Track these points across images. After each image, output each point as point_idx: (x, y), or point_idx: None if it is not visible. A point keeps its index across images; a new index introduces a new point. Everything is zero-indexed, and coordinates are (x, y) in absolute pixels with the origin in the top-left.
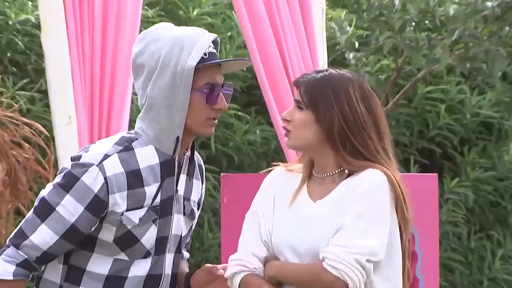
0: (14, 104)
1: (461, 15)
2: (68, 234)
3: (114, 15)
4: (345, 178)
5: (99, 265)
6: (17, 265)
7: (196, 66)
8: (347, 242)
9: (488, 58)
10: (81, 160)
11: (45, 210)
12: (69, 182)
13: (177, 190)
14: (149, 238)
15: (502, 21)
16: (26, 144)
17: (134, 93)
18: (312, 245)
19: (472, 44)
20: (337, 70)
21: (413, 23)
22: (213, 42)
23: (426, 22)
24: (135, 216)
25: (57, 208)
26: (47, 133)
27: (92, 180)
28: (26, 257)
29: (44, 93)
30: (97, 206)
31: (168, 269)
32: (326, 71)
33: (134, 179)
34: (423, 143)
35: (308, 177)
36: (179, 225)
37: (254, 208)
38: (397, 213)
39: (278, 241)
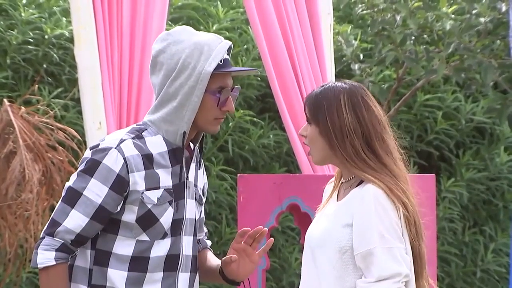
0: (50, 111)
1: (456, 30)
2: (98, 215)
3: (140, 29)
4: (356, 186)
5: (124, 247)
6: (56, 250)
7: (212, 72)
8: (389, 272)
9: (481, 69)
10: (100, 146)
11: (73, 197)
12: (92, 167)
13: (188, 177)
14: (167, 218)
15: (493, 35)
16: (61, 148)
17: None
18: (319, 240)
19: (466, 56)
20: (336, 82)
21: (413, 37)
22: (228, 49)
23: (425, 36)
24: (154, 195)
25: (84, 193)
26: (79, 137)
27: (113, 162)
28: (62, 241)
29: (77, 101)
30: (120, 185)
31: (186, 250)
32: (326, 85)
33: (148, 161)
34: (422, 146)
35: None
36: (192, 209)
37: None
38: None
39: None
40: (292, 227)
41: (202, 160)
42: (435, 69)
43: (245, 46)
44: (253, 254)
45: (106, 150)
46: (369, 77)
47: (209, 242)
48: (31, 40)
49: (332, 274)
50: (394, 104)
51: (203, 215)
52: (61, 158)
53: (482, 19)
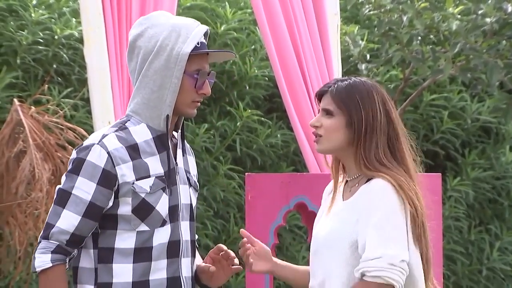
0: (59, 111)
1: (462, 30)
2: (89, 212)
3: None
4: (365, 183)
5: (125, 240)
6: (52, 252)
7: (190, 53)
8: (375, 254)
9: (487, 69)
10: (83, 145)
11: (63, 197)
12: (77, 166)
13: (176, 163)
14: (163, 206)
15: (499, 36)
16: (70, 147)
17: None
18: (327, 238)
19: (472, 56)
20: (359, 78)
21: (419, 38)
22: (204, 33)
23: (431, 36)
24: (146, 184)
25: (73, 192)
26: (89, 137)
27: (97, 157)
28: (58, 243)
29: (86, 100)
30: (108, 179)
31: (185, 235)
32: (350, 79)
33: (134, 152)
34: (428, 145)
35: (345, 181)
36: (187, 194)
37: None
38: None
39: (312, 240)
40: (300, 226)
41: (188, 147)
42: (441, 69)
43: (253, 47)
44: (226, 267)
45: (88, 147)
46: (375, 77)
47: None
48: (41, 40)
49: (346, 270)
50: (400, 104)
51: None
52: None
53: (488, 20)
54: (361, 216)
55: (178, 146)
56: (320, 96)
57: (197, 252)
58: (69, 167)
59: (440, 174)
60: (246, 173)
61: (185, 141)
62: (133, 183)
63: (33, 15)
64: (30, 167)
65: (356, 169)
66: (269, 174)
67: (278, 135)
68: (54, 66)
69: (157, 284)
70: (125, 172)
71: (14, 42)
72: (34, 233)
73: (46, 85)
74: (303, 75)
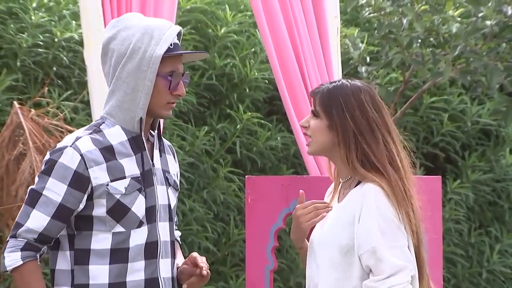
0: (60, 114)
1: (462, 33)
2: (59, 214)
3: None
4: (356, 185)
5: (101, 242)
6: (21, 250)
7: (163, 55)
8: (394, 268)
9: (487, 71)
10: (57, 147)
11: (34, 198)
12: (49, 167)
13: (153, 164)
14: (139, 207)
15: (499, 38)
16: None
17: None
18: (319, 241)
19: (472, 59)
20: (349, 80)
21: (419, 40)
22: (177, 34)
23: (431, 39)
24: (121, 185)
25: (43, 192)
26: None
27: (69, 159)
28: (26, 240)
29: (86, 103)
30: (80, 182)
31: (163, 236)
32: (339, 81)
33: (108, 153)
34: (428, 148)
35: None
36: (164, 195)
37: None
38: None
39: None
40: None
41: (169, 148)
42: (441, 72)
43: (253, 49)
44: (198, 276)
45: (61, 149)
46: (375, 80)
47: (178, 233)
48: (41, 43)
49: (332, 275)
50: (400, 107)
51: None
52: None
53: (488, 22)
54: (356, 222)
55: (155, 147)
56: (312, 95)
57: (179, 252)
58: (42, 169)
59: (440, 176)
60: (246, 176)
61: (163, 140)
62: (108, 185)
63: (33, 17)
64: (30, 170)
65: (347, 170)
66: (269, 177)
67: (278, 138)
68: (54, 68)
69: (135, 285)
70: (98, 174)
71: (14, 45)
72: None
73: (46, 88)
74: (303, 78)
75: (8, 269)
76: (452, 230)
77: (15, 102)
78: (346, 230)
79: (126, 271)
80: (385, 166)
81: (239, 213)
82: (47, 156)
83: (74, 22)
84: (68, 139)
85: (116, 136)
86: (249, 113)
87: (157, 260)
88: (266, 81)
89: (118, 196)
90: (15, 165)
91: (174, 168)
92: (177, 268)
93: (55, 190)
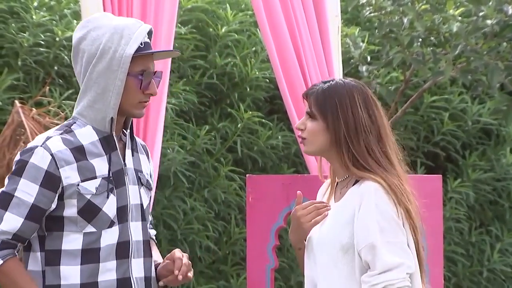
0: (61, 113)
1: (463, 32)
2: (32, 215)
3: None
4: (353, 185)
5: (72, 242)
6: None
7: (133, 54)
8: (392, 264)
9: (488, 70)
10: (27, 147)
11: (6, 200)
12: (20, 168)
13: (125, 164)
14: (110, 207)
15: (500, 38)
16: None
17: (168, 102)
18: (319, 241)
19: (473, 58)
20: (342, 79)
21: (420, 39)
22: (148, 32)
23: (432, 38)
24: (91, 186)
25: (15, 194)
26: None
27: (40, 159)
28: (1, 240)
29: None
30: (51, 181)
31: (135, 236)
32: (332, 81)
33: (79, 154)
34: (428, 147)
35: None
36: (136, 195)
37: None
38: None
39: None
40: None
41: (142, 147)
42: (442, 71)
43: (254, 48)
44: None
45: (32, 149)
46: (376, 79)
47: (152, 232)
48: (42, 42)
49: (333, 273)
50: (401, 106)
51: (151, 200)
52: None
53: (488, 21)
54: (356, 221)
55: (127, 146)
56: (306, 97)
57: (155, 250)
58: (12, 170)
59: (440, 175)
60: (247, 175)
61: (136, 139)
62: (78, 185)
63: (34, 17)
64: None
65: (343, 170)
66: (270, 176)
67: (279, 137)
68: (55, 68)
69: (107, 285)
70: (69, 174)
71: (15, 44)
72: None
73: (47, 87)
74: (304, 77)
75: None
76: (453, 229)
77: (16, 101)
78: (346, 229)
79: (97, 271)
80: (375, 167)
81: (240, 212)
82: (17, 157)
83: (75, 21)
84: (38, 139)
85: (87, 136)
86: (250, 112)
87: (129, 260)
88: (267, 80)
89: (88, 196)
90: None
91: (146, 168)
92: (158, 264)
93: (27, 191)
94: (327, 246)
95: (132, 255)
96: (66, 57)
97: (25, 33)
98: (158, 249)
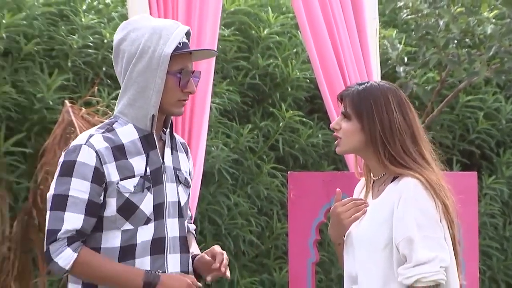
0: (109, 112)
1: (497, 34)
2: (89, 210)
3: (195, 34)
4: (391, 182)
5: (111, 240)
6: (68, 245)
7: (171, 53)
8: (427, 257)
9: None
10: (70, 147)
11: (61, 201)
12: (69, 167)
13: (164, 162)
14: (147, 204)
15: None
16: None
17: (213, 102)
18: (357, 237)
19: (506, 59)
20: (377, 82)
21: (456, 41)
22: (186, 33)
23: (467, 40)
24: (130, 184)
25: (69, 194)
26: None
27: (86, 156)
28: (67, 236)
29: None
30: (99, 177)
31: (171, 232)
32: (367, 83)
33: (119, 152)
34: (464, 145)
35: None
36: (174, 192)
37: None
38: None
39: (345, 237)
40: None
41: (182, 145)
42: (477, 72)
43: (295, 50)
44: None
45: (77, 148)
46: (413, 79)
47: (192, 226)
48: (91, 44)
49: (372, 269)
50: (437, 105)
51: (189, 198)
52: None
53: None
54: (395, 215)
55: (166, 145)
56: (340, 98)
57: (193, 244)
58: (59, 171)
59: (476, 172)
60: (288, 172)
61: (175, 138)
62: (117, 183)
63: (83, 20)
64: None
65: (380, 168)
66: (310, 173)
67: (319, 135)
68: (104, 68)
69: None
70: (110, 171)
71: (65, 46)
72: None
73: (96, 87)
74: (343, 77)
75: (67, 268)
76: (488, 224)
77: (66, 101)
78: (385, 225)
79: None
80: (412, 164)
81: (282, 207)
82: (62, 158)
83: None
84: (81, 138)
85: (128, 134)
86: (291, 112)
87: (164, 256)
88: (308, 80)
89: (127, 195)
90: None
91: (185, 166)
92: (195, 256)
93: (81, 188)
94: (365, 242)
95: (168, 250)
96: None
97: (74, 35)
98: (204, 243)
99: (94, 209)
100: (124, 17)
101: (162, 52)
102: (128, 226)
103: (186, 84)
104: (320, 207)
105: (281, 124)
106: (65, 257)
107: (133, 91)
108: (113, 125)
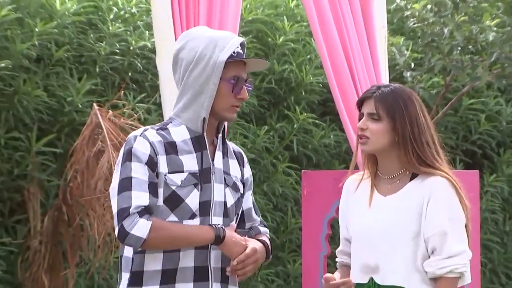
0: (134, 114)
1: (498, 41)
2: (152, 190)
3: None
4: (410, 180)
5: None
6: (140, 216)
7: (226, 61)
8: (458, 250)
9: None
10: (128, 139)
11: (126, 183)
12: (128, 154)
13: (213, 164)
14: (192, 200)
15: None
16: None
17: None
18: (381, 230)
19: (507, 64)
20: (398, 85)
21: (459, 48)
22: (240, 44)
23: (470, 47)
24: (177, 178)
25: (132, 175)
26: None
27: (142, 145)
28: (137, 210)
29: (158, 105)
30: (152, 165)
31: None
32: (391, 85)
33: (170, 148)
34: (466, 145)
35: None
36: (221, 193)
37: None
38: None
39: (353, 230)
40: None
41: (235, 154)
42: (479, 76)
43: (308, 56)
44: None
45: (134, 138)
46: (419, 84)
47: (263, 229)
48: (117, 51)
49: (397, 261)
50: (442, 108)
51: (250, 204)
52: None
53: None
54: (428, 211)
55: (217, 149)
56: (361, 101)
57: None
58: (120, 160)
59: (477, 171)
60: (302, 170)
61: (228, 145)
62: (165, 175)
63: (110, 28)
64: (107, 165)
65: (398, 167)
66: (323, 171)
67: (331, 136)
68: (129, 74)
69: (185, 272)
70: (161, 162)
71: (93, 53)
72: (112, 224)
73: (122, 91)
74: (353, 82)
75: (145, 236)
76: (489, 219)
77: (94, 104)
78: (415, 217)
79: (178, 259)
80: (436, 163)
81: (296, 204)
82: (122, 149)
83: (147, 32)
84: (136, 131)
85: (180, 134)
86: (305, 114)
87: (208, 251)
88: (320, 85)
89: (173, 187)
90: (95, 160)
91: (236, 172)
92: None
93: (141, 171)
94: (390, 234)
95: (211, 246)
96: (139, 64)
97: (102, 42)
98: None
99: (155, 189)
100: (148, 25)
101: (217, 59)
102: (173, 217)
103: (240, 90)
104: (331, 203)
105: (295, 125)
106: (141, 226)
107: (189, 96)
108: (167, 125)
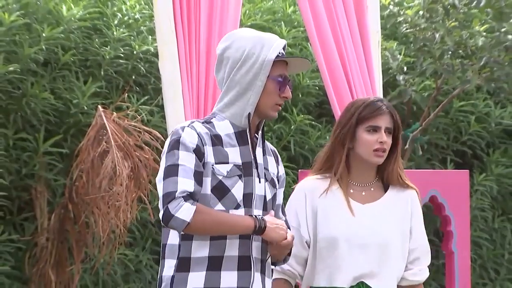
0: (138, 116)
1: (487, 46)
2: (196, 178)
3: (216, 45)
4: (385, 189)
5: None
6: (185, 201)
7: (273, 59)
8: (428, 260)
9: (509, 79)
10: (175, 129)
11: (173, 170)
12: (175, 143)
13: (255, 158)
14: (238, 190)
15: None
16: (147, 147)
17: None
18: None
19: (496, 68)
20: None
21: (450, 52)
22: (283, 47)
23: (460, 51)
24: (223, 169)
25: (179, 163)
26: (163, 138)
27: (189, 135)
28: (183, 195)
29: (161, 107)
30: (200, 154)
31: None
32: (383, 99)
33: (216, 140)
34: (457, 146)
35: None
36: (261, 187)
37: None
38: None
39: (334, 236)
40: None
41: (272, 153)
42: (469, 80)
43: None
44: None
45: (181, 129)
46: (412, 87)
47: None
48: (121, 55)
49: (390, 265)
50: (433, 110)
51: (280, 201)
52: (147, 156)
53: (510, 36)
54: (413, 224)
55: (258, 145)
56: (383, 111)
57: None
58: (167, 149)
59: (468, 171)
60: (299, 170)
61: (266, 143)
62: (213, 165)
63: (115, 33)
64: (112, 165)
65: (374, 176)
66: None
67: (327, 137)
68: (133, 77)
69: (231, 260)
70: (208, 153)
71: (98, 57)
72: (116, 222)
73: (126, 94)
74: (348, 85)
75: (189, 219)
76: (478, 217)
77: (99, 106)
78: (399, 228)
79: (224, 247)
80: (402, 175)
81: None
82: (169, 139)
83: (150, 37)
84: (183, 123)
85: (224, 128)
86: (302, 116)
87: (250, 242)
88: (317, 87)
89: (220, 177)
90: (99, 160)
91: (273, 168)
92: None
93: (187, 159)
94: (383, 241)
95: (252, 237)
96: (142, 68)
97: (107, 47)
98: None
99: (200, 177)
100: (151, 30)
101: (266, 58)
102: (220, 207)
103: (285, 88)
104: None
105: (292, 127)
106: (186, 210)
107: (235, 92)
108: (212, 119)
